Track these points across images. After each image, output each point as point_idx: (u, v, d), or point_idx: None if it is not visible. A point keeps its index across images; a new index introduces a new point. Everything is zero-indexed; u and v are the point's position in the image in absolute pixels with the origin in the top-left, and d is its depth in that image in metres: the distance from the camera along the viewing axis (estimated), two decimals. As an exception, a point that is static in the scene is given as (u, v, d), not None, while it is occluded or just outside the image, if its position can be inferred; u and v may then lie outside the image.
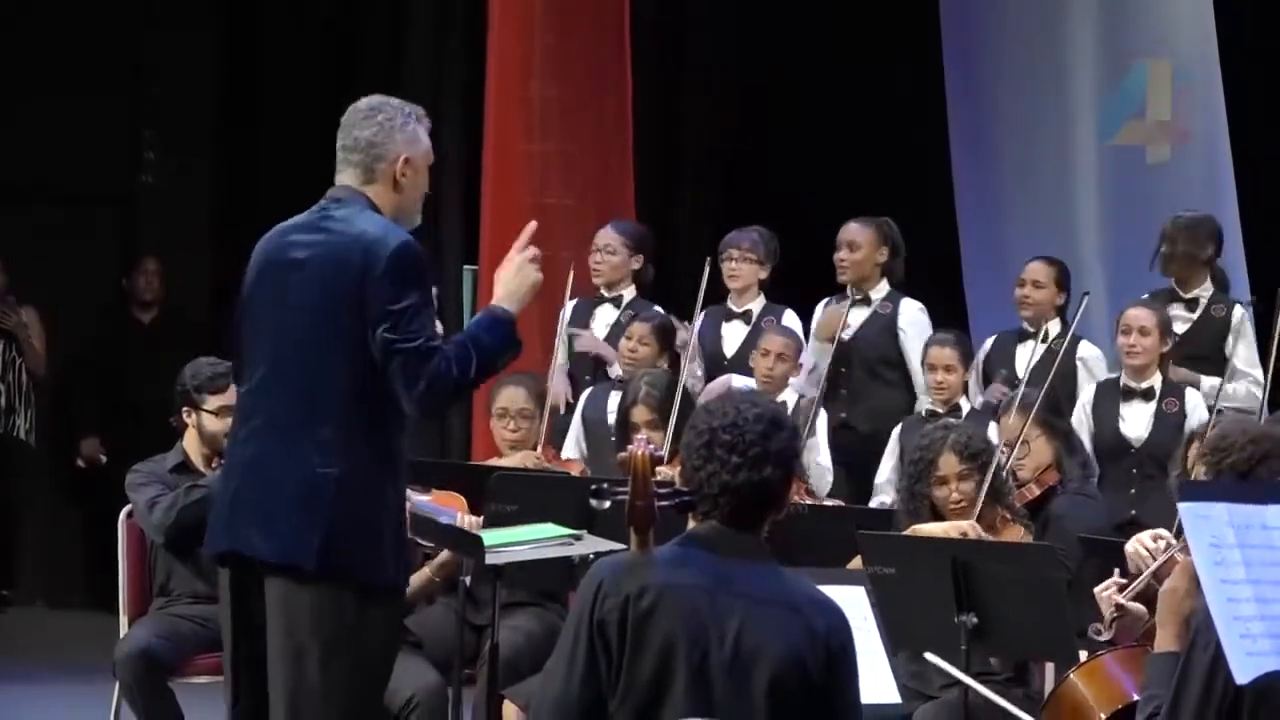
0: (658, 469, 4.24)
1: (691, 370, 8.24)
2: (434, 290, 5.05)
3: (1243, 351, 8.30)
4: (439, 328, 4.98)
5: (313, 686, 4.86)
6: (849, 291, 8.62)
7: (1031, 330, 8.37)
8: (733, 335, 8.71)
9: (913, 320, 8.61)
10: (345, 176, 5.09)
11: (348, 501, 4.86)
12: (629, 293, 8.80)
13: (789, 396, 8.15)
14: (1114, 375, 8.16)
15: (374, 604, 4.89)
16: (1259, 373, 8.14)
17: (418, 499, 6.60)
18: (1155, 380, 8.01)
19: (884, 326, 8.63)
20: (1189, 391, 8.00)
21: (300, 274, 4.98)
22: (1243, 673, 3.80)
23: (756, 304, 8.73)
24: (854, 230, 8.68)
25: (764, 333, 8.37)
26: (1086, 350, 8.34)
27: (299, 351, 4.94)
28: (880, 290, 8.68)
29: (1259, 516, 3.89)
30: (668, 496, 4.16)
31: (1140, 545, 5.38)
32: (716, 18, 11.40)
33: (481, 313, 5.10)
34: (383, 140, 5.08)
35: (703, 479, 4.13)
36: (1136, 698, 4.71)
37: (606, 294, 8.78)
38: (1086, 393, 8.10)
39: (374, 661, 4.93)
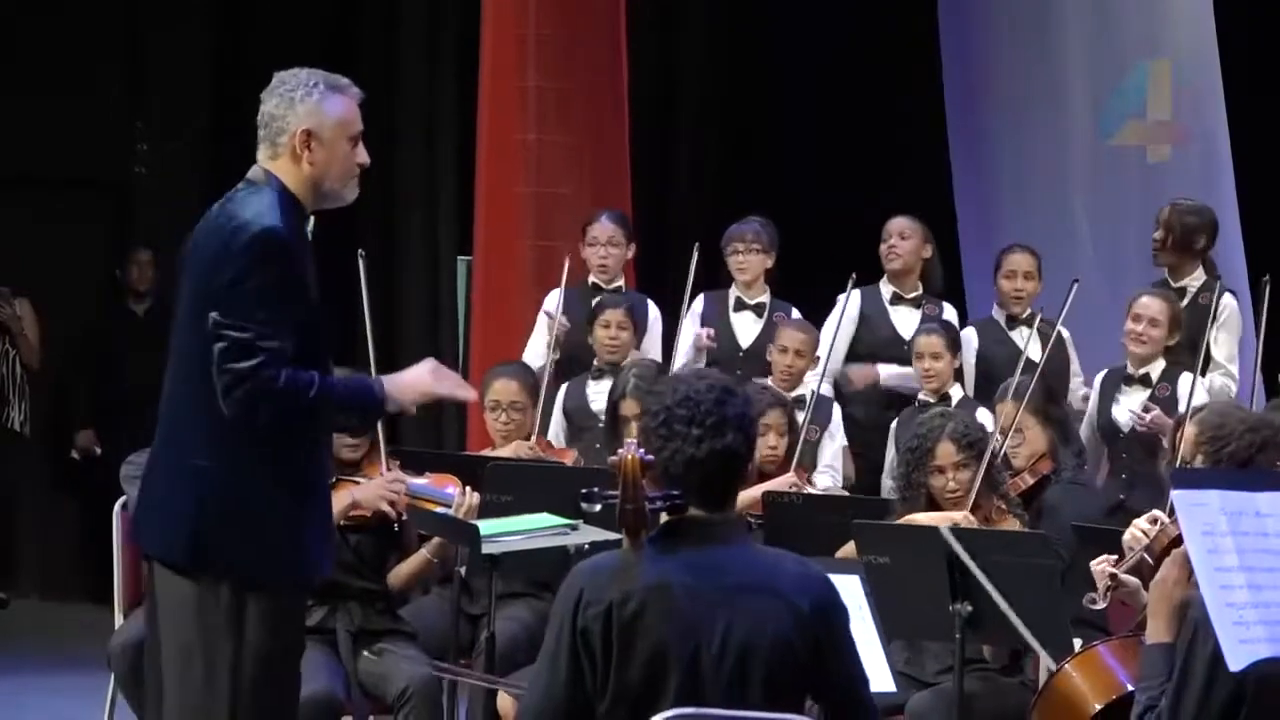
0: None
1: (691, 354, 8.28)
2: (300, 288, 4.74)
3: (1223, 341, 8.32)
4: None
5: (195, 684, 4.74)
6: (893, 288, 8.67)
7: (1023, 318, 8.46)
8: (745, 327, 8.69)
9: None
10: (259, 154, 4.89)
11: (221, 493, 4.72)
12: (622, 283, 8.80)
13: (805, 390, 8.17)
14: (1121, 363, 8.19)
15: (254, 600, 4.72)
16: (1235, 366, 8.20)
17: (413, 481, 6.63)
18: (1155, 367, 8.04)
19: None
20: (1184, 376, 8.02)
21: (189, 264, 4.84)
22: (1236, 660, 3.80)
23: (765, 296, 8.74)
24: (903, 222, 8.77)
25: (779, 328, 8.37)
26: (1068, 334, 8.38)
27: (185, 344, 4.82)
28: (916, 289, 8.73)
29: (1251, 504, 3.90)
30: (658, 499, 4.12)
31: (1137, 529, 5.39)
32: (713, 6, 11.40)
33: (362, 377, 4.97)
34: (283, 113, 4.81)
35: (667, 458, 4.11)
36: (1131, 689, 4.71)
37: (606, 286, 8.76)
38: (1083, 374, 8.11)
39: (261, 661, 4.73)
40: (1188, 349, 8.19)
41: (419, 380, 4.90)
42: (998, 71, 10.23)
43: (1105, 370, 8.17)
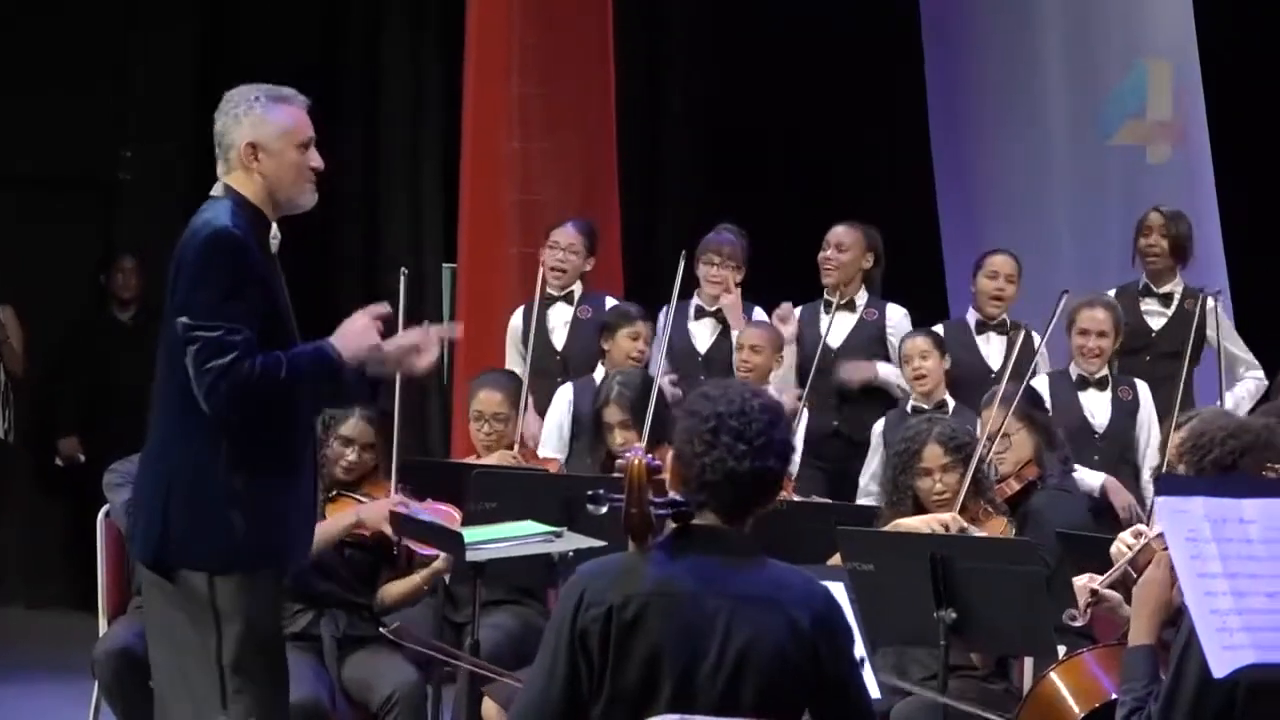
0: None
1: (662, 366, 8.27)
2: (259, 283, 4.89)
3: (1232, 345, 8.34)
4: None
5: (185, 677, 4.86)
6: (827, 295, 8.66)
7: (994, 323, 8.46)
8: (703, 333, 8.70)
9: (899, 325, 8.63)
10: (218, 169, 5.09)
11: (186, 490, 4.85)
12: (578, 288, 8.79)
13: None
14: (1062, 367, 8.19)
15: (227, 589, 4.84)
16: (1258, 369, 8.25)
17: (416, 507, 6.61)
18: (1104, 370, 8.08)
19: (872, 334, 8.64)
20: (1139, 380, 8.07)
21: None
22: (1219, 666, 3.80)
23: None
24: (841, 232, 8.71)
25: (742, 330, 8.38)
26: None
27: (160, 352, 4.94)
28: (862, 297, 8.69)
29: (1235, 510, 3.90)
30: (664, 505, 4.12)
31: (1122, 544, 5.39)
32: (698, 14, 11.41)
33: (314, 343, 4.98)
34: (229, 129, 5.04)
35: (706, 464, 4.08)
36: (1115, 696, 4.71)
37: (558, 293, 8.76)
38: (1039, 383, 8.10)
39: (244, 649, 4.84)
40: (1170, 355, 8.22)
41: (362, 330, 4.97)
42: (984, 74, 10.22)
43: (1045, 375, 8.10)
